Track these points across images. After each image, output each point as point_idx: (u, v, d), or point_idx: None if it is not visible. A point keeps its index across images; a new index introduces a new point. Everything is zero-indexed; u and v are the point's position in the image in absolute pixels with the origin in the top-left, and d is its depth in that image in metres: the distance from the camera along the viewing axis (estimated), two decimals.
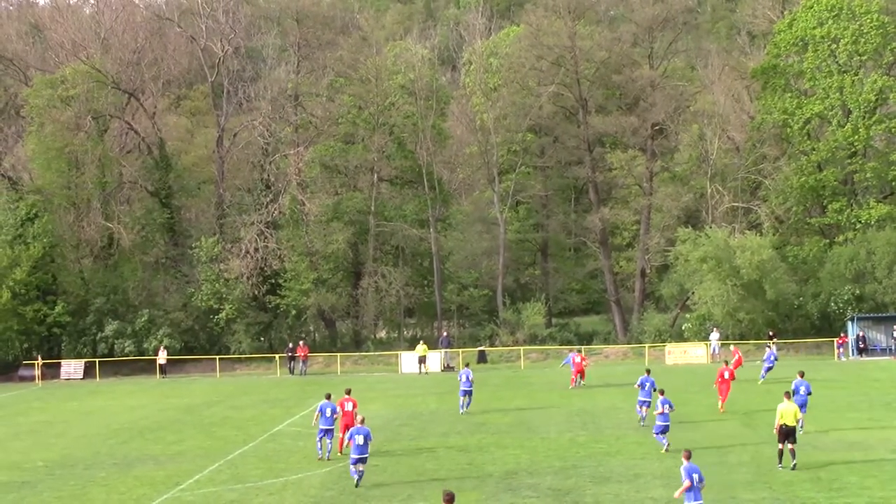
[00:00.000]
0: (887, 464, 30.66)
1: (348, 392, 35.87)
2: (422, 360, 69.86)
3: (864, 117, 76.24)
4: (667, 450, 33.72)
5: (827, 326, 74.53)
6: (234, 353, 76.90)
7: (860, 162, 77.24)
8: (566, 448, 35.32)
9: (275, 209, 78.30)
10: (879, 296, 73.24)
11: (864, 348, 70.14)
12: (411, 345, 79.51)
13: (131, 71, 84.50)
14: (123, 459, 36.44)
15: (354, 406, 35.04)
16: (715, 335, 71.35)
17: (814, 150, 78.26)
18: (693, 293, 75.68)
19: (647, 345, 73.88)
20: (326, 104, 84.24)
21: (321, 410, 34.18)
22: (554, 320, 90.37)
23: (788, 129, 79.06)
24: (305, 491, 29.70)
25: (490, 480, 30.18)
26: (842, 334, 71.49)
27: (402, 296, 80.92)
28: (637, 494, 27.55)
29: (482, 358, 74.19)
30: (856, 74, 77.45)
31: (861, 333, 70.61)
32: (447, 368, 70.81)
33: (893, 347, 70.10)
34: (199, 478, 32.16)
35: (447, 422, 43.18)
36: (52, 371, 74.26)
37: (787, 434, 30.40)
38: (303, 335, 78.06)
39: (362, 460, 30.03)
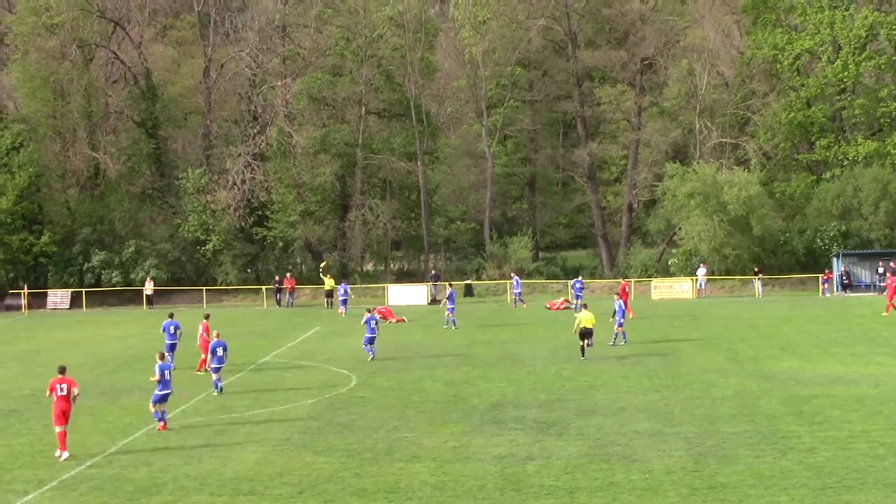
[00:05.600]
0: (868, 398, 30.97)
1: (206, 317, 41.98)
2: (329, 294, 69.45)
3: (854, 53, 75.79)
4: (372, 359, 41.02)
5: (812, 262, 74.75)
6: (220, 285, 76.98)
7: (849, 98, 76.98)
8: (551, 381, 35.56)
9: (262, 141, 77.86)
10: (865, 232, 73.46)
11: (848, 284, 70.47)
12: (398, 277, 79.70)
13: None
14: (110, 389, 36.63)
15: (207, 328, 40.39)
16: (702, 270, 71.60)
17: (803, 86, 77.94)
18: (680, 228, 75.79)
19: (633, 279, 74.08)
20: (314, 35, 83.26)
21: (165, 328, 40.41)
22: (541, 254, 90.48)
23: (778, 65, 78.69)
24: (292, 422, 29.88)
25: (475, 413, 30.39)
26: (826, 270, 71.80)
27: (390, 228, 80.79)
28: (621, 427, 27.79)
29: (469, 291, 74.49)
30: (846, 10, 76.87)
31: (845, 269, 70.94)
32: (433, 301, 70.99)
33: (877, 284, 70.46)
34: (186, 408, 32.33)
35: (433, 354, 43.41)
36: (38, 301, 74.32)
37: (586, 334, 40.33)
38: (290, 267, 78.02)
39: (218, 369, 35.13)
